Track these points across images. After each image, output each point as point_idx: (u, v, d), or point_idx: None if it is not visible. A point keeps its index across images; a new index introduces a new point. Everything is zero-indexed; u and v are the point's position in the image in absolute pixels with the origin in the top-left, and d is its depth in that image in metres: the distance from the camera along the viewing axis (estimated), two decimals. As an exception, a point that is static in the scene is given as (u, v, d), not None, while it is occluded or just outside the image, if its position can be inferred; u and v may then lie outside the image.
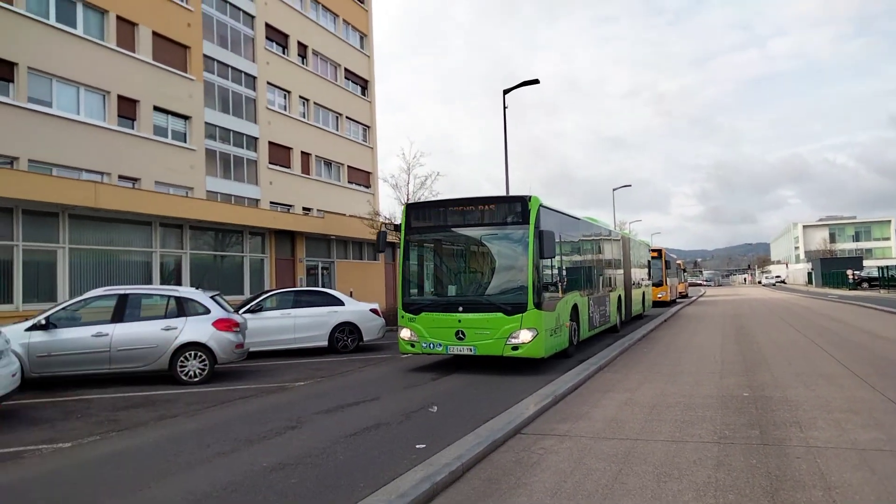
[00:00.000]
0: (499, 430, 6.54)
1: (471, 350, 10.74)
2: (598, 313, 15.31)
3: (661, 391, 9.00)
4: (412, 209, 11.94)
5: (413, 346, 11.30)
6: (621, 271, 19.44)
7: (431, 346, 11.04)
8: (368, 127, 34.15)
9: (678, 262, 45.30)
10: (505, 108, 21.31)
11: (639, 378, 10.21)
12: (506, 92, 21.25)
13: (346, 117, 32.06)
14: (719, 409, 7.68)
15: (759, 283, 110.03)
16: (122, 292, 10.97)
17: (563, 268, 12.72)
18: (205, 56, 22.92)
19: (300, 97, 28.53)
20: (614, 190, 48.86)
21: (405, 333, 11.42)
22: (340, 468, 5.62)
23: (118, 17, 19.33)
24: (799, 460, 5.52)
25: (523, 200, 10.90)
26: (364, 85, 34.26)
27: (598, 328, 15.51)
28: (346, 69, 32.32)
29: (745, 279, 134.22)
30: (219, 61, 23.88)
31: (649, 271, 27.03)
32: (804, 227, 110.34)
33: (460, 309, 10.86)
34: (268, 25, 26.52)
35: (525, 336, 10.45)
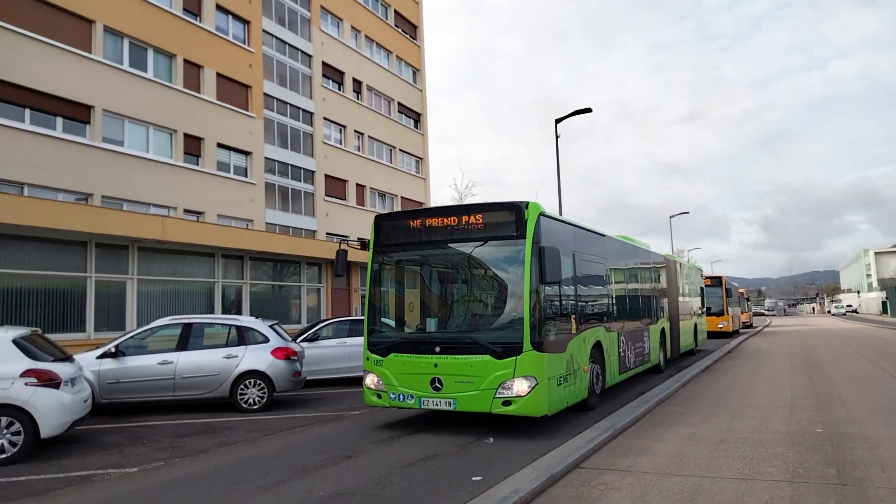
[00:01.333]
0: (557, 464, 6.38)
1: (449, 404, 8.44)
2: (632, 352, 12.88)
3: (728, 426, 8.62)
4: (382, 221, 9.65)
5: (379, 396, 9.02)
6: (666, 300, 16.90)
7: (401, 397, 8.78)
8: (421, 159, 34.68)
9: (740, 290, 43.65)
10: (557, 136, 21.29)
11: (703, 412, 9.81)
12: (558, 121, 21.25)
13: (400, 150, 32.66)
14: (791, 446, 7.29)
15: (829, 312, 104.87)
16: (186, 321, 11.37)
17: (580, 296, 10.26)
18: (265, 94, 23.87)
19: (355, 131, 29.27)
20: (671, 217, 47.86)
21: (370, 380, 9.14)
22: (396, 499, 5.58)
23: (185, 61, 20.40)
24: (883, 503, 5.16)
25: (518, 208, 8.50)
26: (416, 118, 34.91)
27: (633, 370, 13.04)
28: (399, 103, 33.04)
29: (813, 308, 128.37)
30: (278, 99, 24.82)
31: (702, 300, 24.54)
32: (876, 253, 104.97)
33: (437, 350, 8.54)
34: (324, 64, 27.45)
35: (520, 387, 8.05)
